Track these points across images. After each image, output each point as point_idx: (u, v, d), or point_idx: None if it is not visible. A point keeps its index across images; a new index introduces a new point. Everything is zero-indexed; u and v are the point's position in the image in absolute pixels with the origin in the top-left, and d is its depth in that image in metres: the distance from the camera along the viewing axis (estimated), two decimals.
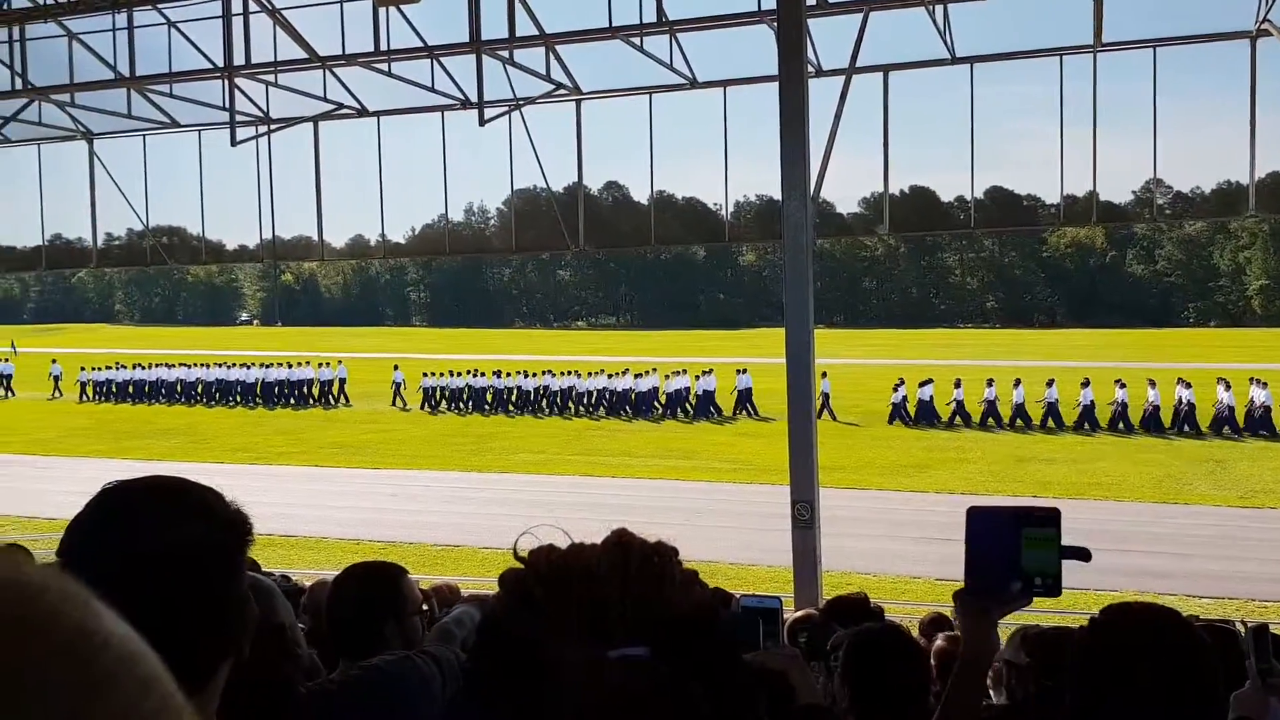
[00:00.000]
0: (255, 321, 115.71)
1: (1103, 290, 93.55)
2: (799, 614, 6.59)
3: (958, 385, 35.77)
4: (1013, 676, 4.15)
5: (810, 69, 14.17)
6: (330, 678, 2.73)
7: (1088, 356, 55.45)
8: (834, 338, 67.84)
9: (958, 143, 16.75)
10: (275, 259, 24.45)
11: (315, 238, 21.21)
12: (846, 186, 20.65)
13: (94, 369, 49.96)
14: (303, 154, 20.13)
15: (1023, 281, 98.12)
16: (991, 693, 5.00)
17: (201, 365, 49.44)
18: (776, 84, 13.31)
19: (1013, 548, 2.06)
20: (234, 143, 18.29)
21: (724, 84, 17.53)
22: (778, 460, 24.08)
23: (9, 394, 50.21)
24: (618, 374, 41.52)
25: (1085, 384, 34.48)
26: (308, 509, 23.75)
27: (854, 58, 15.12)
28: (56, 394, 49.60)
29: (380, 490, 26.71)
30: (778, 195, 13.42)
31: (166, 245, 22.74)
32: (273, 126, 19.42)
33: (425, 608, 3.28)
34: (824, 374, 29.49)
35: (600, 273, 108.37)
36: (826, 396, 33.99)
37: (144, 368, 49.54)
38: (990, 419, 35.13)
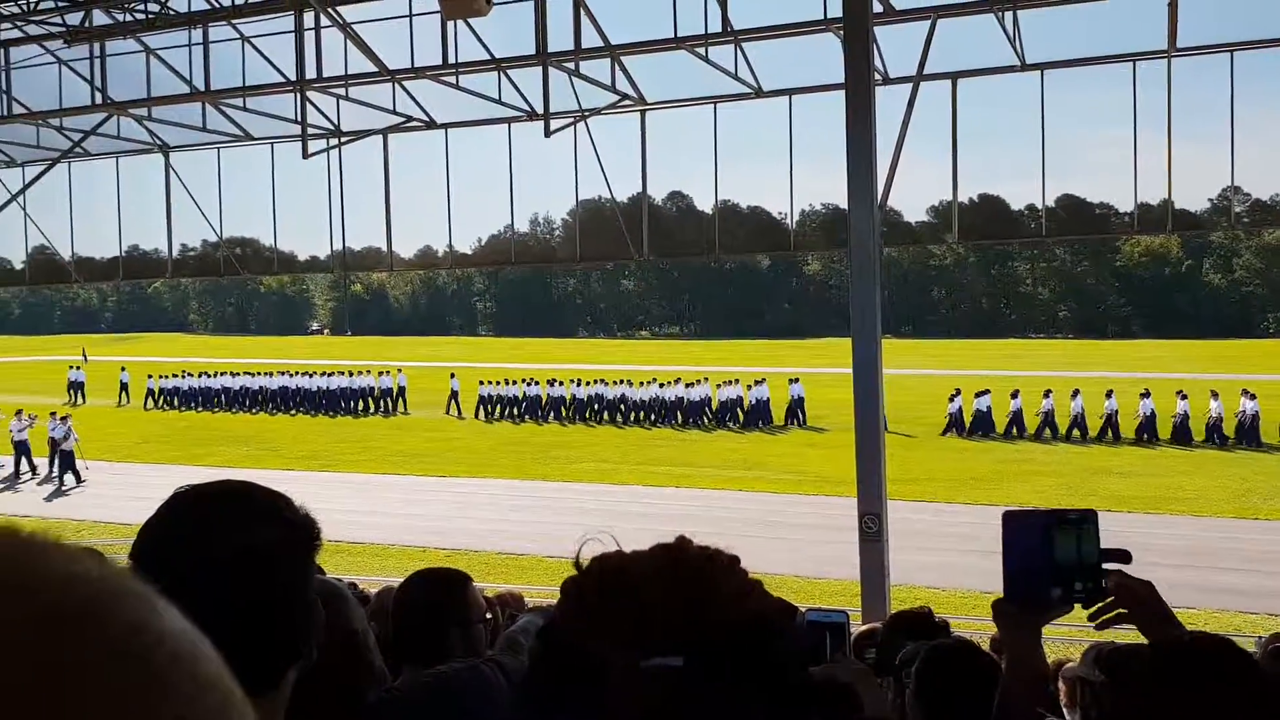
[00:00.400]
0: (326, 331, 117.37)
1: (1178, 300, 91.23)
2: (863, 628, 6.51)
3: (1015, 396, 35.11)
4: (1087, 694, 4.05)
5: (877, 77, 14.06)
6: (398, 684, 2.74)
7: (1163, 368, 54.06)
8: (902, 348, 67.07)
9: (1028, 150, 16.55)
10: (345, 269, 24.80)
11: (384, 248, 21.51)
12: (914, 194, 20.57)
13: (161, 377, 50.99)
14: (372, 166, 20.50)
15: (1095, 291, 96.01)
16: (1065, 711, 4.89)
17: (265, 374, 50.26)
18: (843, 92, 13.23)
19: (1050, 553, 1.98)
20: (305, 155, 18.66)
21: (789, 92, 17.46)
22: (839, 471, 23.91)
23: (81, 401, 51.42)
24: (669, 383, 41.46)
25: (1145, 395, 33.66)
26: (375, 516, 24.02)
27: (921, 65, 14.98)
28: (124, 401, 50.77)
29: (446, 498, 26.94)
30: (844, 204, 13.33)
31: (240, 256, 23.23)
32: (343, 139, 19.75)
33: (489, 615, 3.29)
34: None
35: (664, 282, 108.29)
36: None
37: (210, 376, 50.45)
38: (1047, 430, 34.32)
